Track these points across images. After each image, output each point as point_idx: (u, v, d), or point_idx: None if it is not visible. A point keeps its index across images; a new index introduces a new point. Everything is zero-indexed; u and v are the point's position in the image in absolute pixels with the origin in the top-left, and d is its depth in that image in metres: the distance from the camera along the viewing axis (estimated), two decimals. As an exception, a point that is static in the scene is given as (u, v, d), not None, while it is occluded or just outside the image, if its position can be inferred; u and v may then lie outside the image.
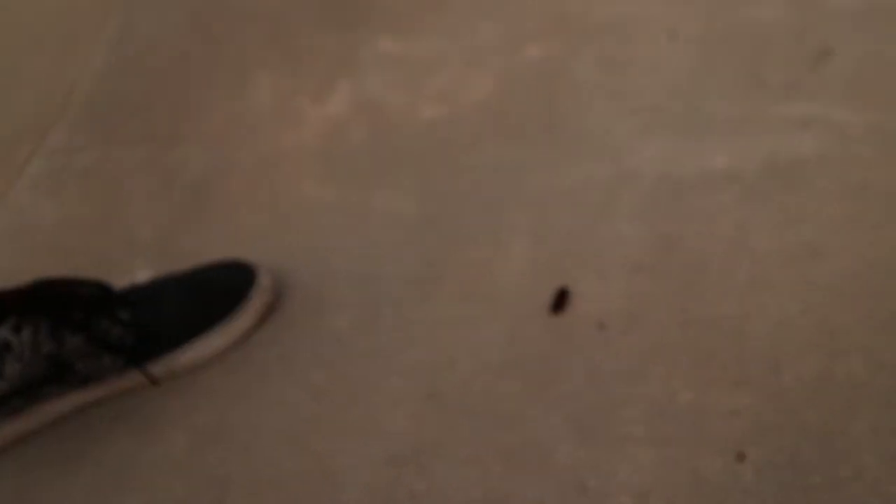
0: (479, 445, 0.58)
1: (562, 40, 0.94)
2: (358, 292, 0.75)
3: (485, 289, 0.71)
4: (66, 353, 0.60)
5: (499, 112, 0.92)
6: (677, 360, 0.59)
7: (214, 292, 0.69)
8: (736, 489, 0.50)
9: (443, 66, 1.02)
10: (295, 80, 1.08)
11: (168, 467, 0.63)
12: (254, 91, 1.09)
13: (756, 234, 0.67)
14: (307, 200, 0.89)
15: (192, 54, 1.15)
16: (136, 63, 1.15)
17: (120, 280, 0.72)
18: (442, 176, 0.87)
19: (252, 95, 1.08)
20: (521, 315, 0.67)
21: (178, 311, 0.68)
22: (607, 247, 0.71)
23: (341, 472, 0.59)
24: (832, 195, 0.67)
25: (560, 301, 0.67)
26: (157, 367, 0.67)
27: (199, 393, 0.68)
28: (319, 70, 1.08)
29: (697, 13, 0.89)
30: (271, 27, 1.14)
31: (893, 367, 0.54)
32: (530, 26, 0.98)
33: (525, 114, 0.90)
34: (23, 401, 0.63)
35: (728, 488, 0.51)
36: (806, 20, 0.83)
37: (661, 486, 0.52)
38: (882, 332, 0.56)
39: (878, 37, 0.79)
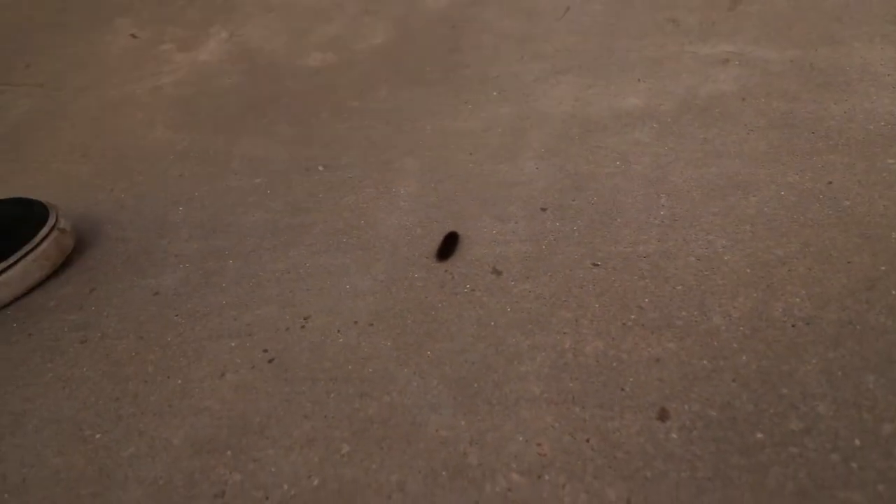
0: (324, 420, 0.42)
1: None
2: (199, 245, 0.59)
3: (361, 236, 0.57)
4: None
5: (396, 58, 0.80)
6: (586, 304, 0.47)
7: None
8: (658, 455, 0.38)
9: (336, 14, 0.90)
10: (162, 27, 0.93)
11: None
12: (112, 37, 0.92)
13: (676, 169, 0.57)
14: (154, 147, 0.73)
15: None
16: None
17: None
18: (323, 121, 0.73)
19: (108, 41, 0.92)
20: (400, 263, 0.53)
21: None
22: (509, 188, 0.59)
23: (126, 465, 0.41)
24: (755, 128, 0.59)
25: (447, 246, 0.54)
26: None
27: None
28: (193, 17, 0.94)
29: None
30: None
31: (840, 300, 0.44)
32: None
33: (424, 59, 0.79)
34: None
35: (648, 454, 0.38)
36: (719, -28, 0.78)
37: (561, 457, 0.38)
38: (823, 263, 0.47)
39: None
